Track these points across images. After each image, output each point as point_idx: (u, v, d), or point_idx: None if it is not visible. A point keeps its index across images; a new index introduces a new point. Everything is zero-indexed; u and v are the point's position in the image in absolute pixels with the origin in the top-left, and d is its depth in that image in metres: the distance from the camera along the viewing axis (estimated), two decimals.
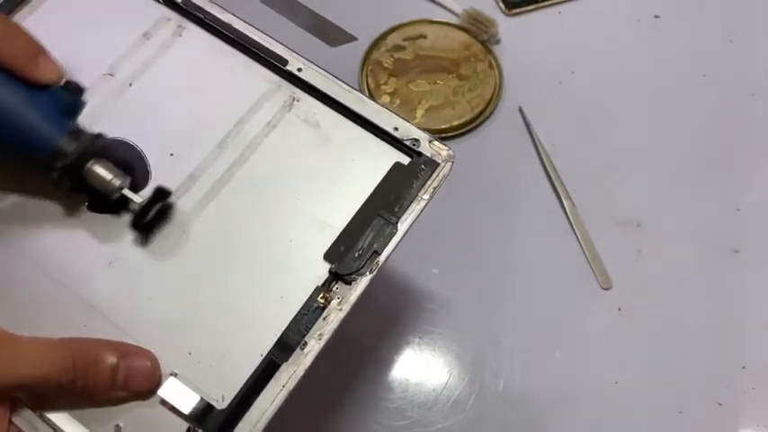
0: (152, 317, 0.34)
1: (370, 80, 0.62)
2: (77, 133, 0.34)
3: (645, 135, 0.60)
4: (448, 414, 0.48)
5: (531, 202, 0.56)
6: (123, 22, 0.41)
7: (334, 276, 0.35)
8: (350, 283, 0.34)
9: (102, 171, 0.34)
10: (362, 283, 0.34)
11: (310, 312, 0.34)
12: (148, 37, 0.41)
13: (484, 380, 0.49)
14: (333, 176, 0.37)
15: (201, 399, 0.32)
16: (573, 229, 0.55)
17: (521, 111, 0.61)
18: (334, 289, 0.34)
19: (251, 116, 0.39)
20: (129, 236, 0.36)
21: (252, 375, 0.32)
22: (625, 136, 0.60)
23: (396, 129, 0.38)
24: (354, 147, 0.38)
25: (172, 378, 0.32)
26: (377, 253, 0.35)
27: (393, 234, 0.35)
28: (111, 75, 0.40)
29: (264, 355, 0.33)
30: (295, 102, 0.39)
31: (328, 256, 0.35)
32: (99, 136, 0.35)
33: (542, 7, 0.67)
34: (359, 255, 0.35)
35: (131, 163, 0.37)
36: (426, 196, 0.36)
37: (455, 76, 0.62)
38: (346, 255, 0.35)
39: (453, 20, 0.65)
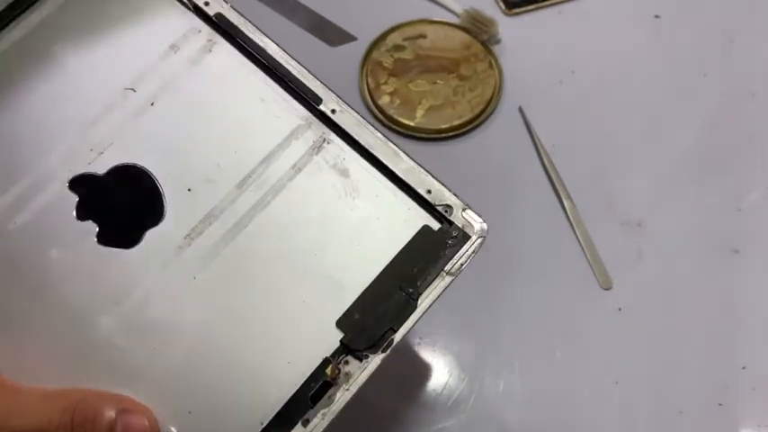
0: (155, 369, 0.32)
1: (370, 80, 0.62)
2: None
3: (645, 135, 0.60)
4: (448, 414, 0.48)
5: (531, 203, 0.56)
6: (150, 30, 0.38)
7: (345, 349, 0.32)
8: (361, 360, 0.32)
9: None
10: (374, 363, 0.32)
11: (317, 386, 0.32)
12: (176, 50, 0.37)
13: (484, 380, 0.49)
14: (356, 233, 0.35)
15: None
16: (573, 229, 0.55)
17: (521, 111, 0.61)
18: (343, 362, 0.32)
19: (277, 155, 0.36)
20: (139, 277, 0.34)
21: None
22: (625, 136, 0.60)
23: (428, 192, 0.35)
24: (382, 202, 0.35)
25: None
26: (392, 330, 0.32)
27: (412, 311, 0.33)
28: (133, 90, 0.37)
29: (264, 425, 0.31)
30: (325, 144, 0.36)
31: (341, 324, 0.33)
32: None
33: (542, 7, 0.67)
34: (373, 329, 0.32)
35: (141, 187, 0.35)
36: (451, 275, 0.34)
37: (455, 76, 0.62)
38: (360, 325, 0.33)
39: (453, 20, 0.65)
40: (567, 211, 0.55)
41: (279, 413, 0.31)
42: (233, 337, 0.33)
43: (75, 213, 0.34)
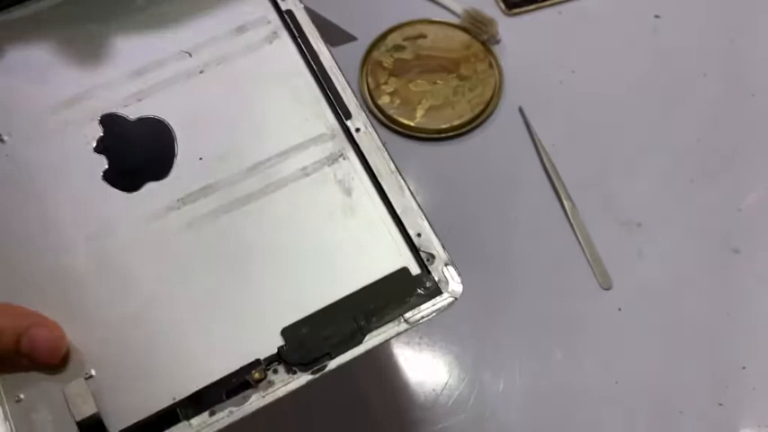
0: (99, 310, 0.33)
1: (370, 80, 0.62)
2: None
3: (645, 135, 0.60)
4: (448, 414, 0.48)
5: (531, 203, 0.56)
6: (226, 7, 0.41)
7: (279, 356, 0.32)
8: (288, 373, 0.32)
9: None
10: (299, 381, 0.32)
11: (237, 382, 0.32)
12: (241, 32, 0.40)
13: (484, 380, 0.49)
14: (335, 252, 0.35)
15: (97, 413, 0.31)
16: (573, 230, 0.55)
17: (521, 111, 0.61)
18: (273, 370, 0.32)
19: (293, 153, 0.37)
20: (122, 221, 0.35)
21: (152, 415, 0.31)
22: (625, 136, 0.60)
23: (418, 235, 0.35)
24: (372, 231, 0.35)
25: (80, 380, 0.31)
26: (329, 356, 0.32)
27: (355, 345, 0.32)
28: (189, 54, 0.40)
29: (176, 401, 0.31)
30: (341, 159, 0.37)
31: (285, 333, 0.33)
32: None
33: (542, 7, 0.67)
34: (312, 348, 0.32)
35: (159, 143, 0.37)
36: (408, 324, 0.33)
37: (455, 76, 0.62)
38: (301, 340, 0.32)
39: (453, 20, 0.65)
40: (567, 211, 0.55)
41: (192, 394, 0.32)
42: (182, 307, 0.34)
43: (94, 144, 0.37)
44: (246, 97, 0.39)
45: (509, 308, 0.52)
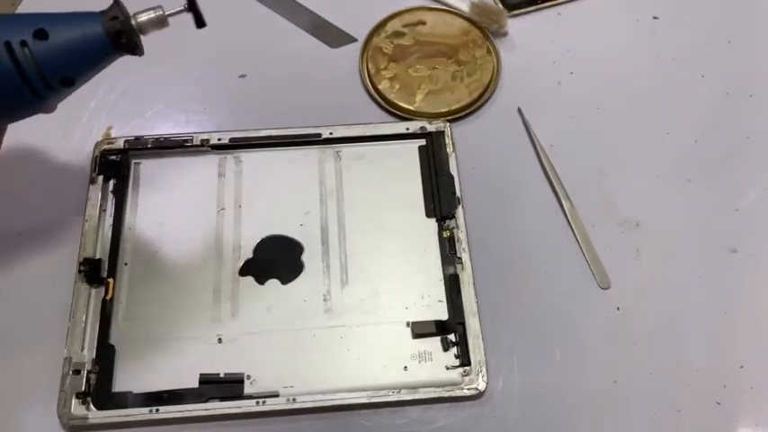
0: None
1: (370, 65, 0.62)
2: (107, 13, 0.42)
3: (644, 135, 0.60)
4: (448, 413, 0.48)
5: (530, 203, 0.56)
6: None
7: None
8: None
9: (146, 15, 0.43)
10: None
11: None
12: None
13: (484, 380, 0.49)
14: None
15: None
16: (572, 230, 0.55)
17: (519, 111, 0.61)
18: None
19: None
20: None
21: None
22: (624, 136, 0.60)
23: (407, 129, 0.57)
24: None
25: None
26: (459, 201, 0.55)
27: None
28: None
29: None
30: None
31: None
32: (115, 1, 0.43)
33: (542, 8, 0.67)
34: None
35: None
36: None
37: (453, 62, 0.63)
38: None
39: (452, 6, 0.66)
40: (566, 211, 0.56)
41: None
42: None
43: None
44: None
45: (508, 307, 0.52)
